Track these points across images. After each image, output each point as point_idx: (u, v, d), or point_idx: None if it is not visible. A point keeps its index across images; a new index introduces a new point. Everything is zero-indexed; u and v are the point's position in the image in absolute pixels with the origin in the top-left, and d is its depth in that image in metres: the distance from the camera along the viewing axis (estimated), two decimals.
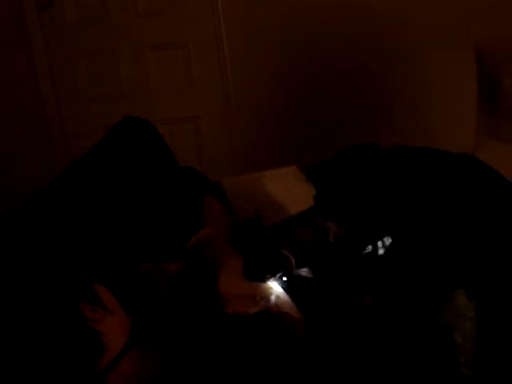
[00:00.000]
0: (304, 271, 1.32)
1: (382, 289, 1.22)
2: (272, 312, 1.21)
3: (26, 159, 3.16)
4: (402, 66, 3.27)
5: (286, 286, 1.26)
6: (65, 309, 1.06)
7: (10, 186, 3.00)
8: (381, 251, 1.28)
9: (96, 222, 1.34)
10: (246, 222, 1.37)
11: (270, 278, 1.24)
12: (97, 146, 1.49)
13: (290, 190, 1.76)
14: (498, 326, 1.10)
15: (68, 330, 1.05)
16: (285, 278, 1.26)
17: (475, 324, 1.10)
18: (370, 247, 1.26)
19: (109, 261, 1.26)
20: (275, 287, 1.25)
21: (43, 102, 3.17)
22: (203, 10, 3.14)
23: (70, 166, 1.47)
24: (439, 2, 3.14)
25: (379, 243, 1.28)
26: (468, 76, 2.51)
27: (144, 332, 1.13)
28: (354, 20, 3.21)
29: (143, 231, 1.39)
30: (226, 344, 1.14)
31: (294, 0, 3.20)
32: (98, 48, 3.14)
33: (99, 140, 1.51)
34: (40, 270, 1.12)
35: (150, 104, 3.12)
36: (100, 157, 1.46)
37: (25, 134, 3.16)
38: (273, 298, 1.23)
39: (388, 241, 1.29)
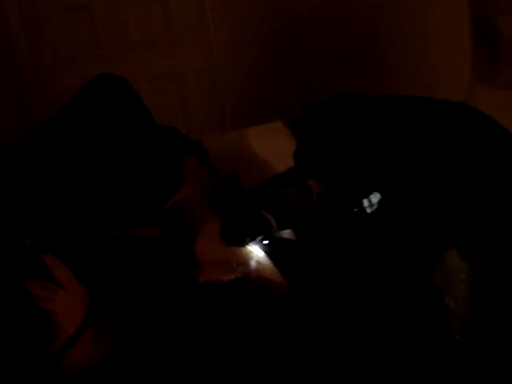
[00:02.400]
0: (287, 233, 1.24)
1: (369, 250, 1.14)
2: (250, 279, 1.13)
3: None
4: (391, 11, 3.16)
5: (267, 250, 1.18)
6: (9, 289, 0.99)
7: None
8: (368, 209, 1.19)
9: (64, 184, 1.26)
10: (222, 183, 1.29)
11: (250, 241, 1.17)
12: (67, 105, 1.41)
13: (274, 147, 1.68)
14: (494, 288, 1.02)
15: (14, 313, 0.98)
16: (266, 241, 1.18)
17: (468, 286, 1.02)
18: (356, 207, 1.18)
19: (73, 227, 1.19)
20: (255, 251, 1.17)
21: (18, 62, 3.08)
22: None
23: (38, 126, 1.39)
24: None
25: (366, 201, 1.19)
26: (462, 19, 2.42)
27: (106, 305, 1.06)
28: None
29: (117, 194, 1.32)
30: (197, 315, 1.07)
31: None
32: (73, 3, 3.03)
33: (71, 99, 1.43)
34: None
35: (128, 60, 3.03)
36: (71, 115, 1.38)
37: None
38: (252, 263, 1.16)
39: (375, 198, 1.21)
